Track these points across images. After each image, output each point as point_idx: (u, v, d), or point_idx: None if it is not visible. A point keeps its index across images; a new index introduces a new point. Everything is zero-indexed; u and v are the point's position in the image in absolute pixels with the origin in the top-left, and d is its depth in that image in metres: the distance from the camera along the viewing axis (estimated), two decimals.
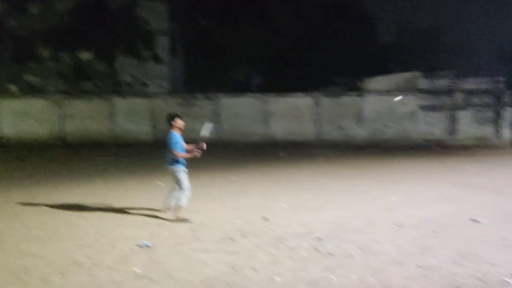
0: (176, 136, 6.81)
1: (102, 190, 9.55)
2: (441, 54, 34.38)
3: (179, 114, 7.28)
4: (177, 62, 26.93)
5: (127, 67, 25.96)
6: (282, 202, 8.20)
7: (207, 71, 28.21)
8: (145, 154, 17.17)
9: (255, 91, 25.40)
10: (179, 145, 6.78)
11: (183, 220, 6.65)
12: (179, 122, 6.94)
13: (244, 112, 22.39)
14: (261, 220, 6.81)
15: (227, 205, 7.93)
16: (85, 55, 24.62)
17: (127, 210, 7.42)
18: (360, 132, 22.70)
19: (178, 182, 6.75)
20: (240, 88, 26.68)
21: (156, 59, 24.80)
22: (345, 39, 30.47)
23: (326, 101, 22.83)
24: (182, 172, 6.80)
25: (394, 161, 15.82)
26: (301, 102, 22.90)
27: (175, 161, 6.74)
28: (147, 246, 5.41)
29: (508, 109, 23.38)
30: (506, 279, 4.34)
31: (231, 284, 4.20)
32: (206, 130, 6.88)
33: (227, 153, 18.50)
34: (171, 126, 6.93)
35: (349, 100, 22.89)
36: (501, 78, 23.85)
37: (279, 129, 22.60)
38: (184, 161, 6.88)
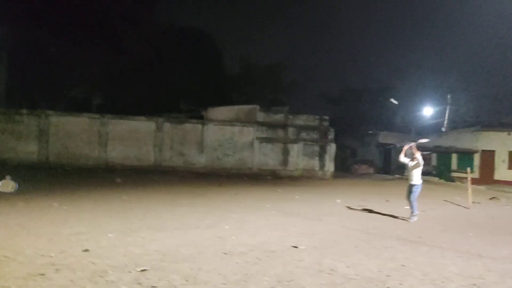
0: None
1: None
2: (279, 90, 37.53)
3: None
4: (0, 72, 23.88)
5: None
6: (109, 231, 7.68)
7: (37, 85, 25.63)
8: None
9: (93, 111, 23.91)
10: None
11: None
12: None
13: (78, 133, 20.84)
14: (81, 252, 6.23)
15: (42, 236, 7.08)
16: None
17: None
18: (200, 159, 23.08)
19: None
20: (76, 107, 24.83)
21: None
22: (191, 68, 31.07)
23: (168, 127, 22.75)
24: None
25: (231, 190, 16.35)
26: (142, 126, 22.39)
27: None
28: None
29: (332, 145, 26.46)
30: None
31: None
32: (5, 186, 5.92)
33: (53, 177, 16.84)
34: None
35: (191, 128, 23.20)
36: (326, 117, 26.97)
37: (118, 153, 21.62)
38: None
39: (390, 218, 11.08)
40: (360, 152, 42.28)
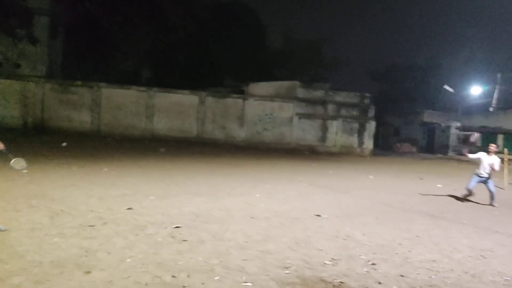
0: None
1: None
2: (321, 66, 37.35)
3: None
4: (57, 46, 25.38)
5: None
6: (150, 194, 8.50)
7: (90, 59, 27.04)
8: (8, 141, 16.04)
9: (141, 84, 25.03)
10: None
11: None
12: None
13: (127, 105, 22.04)
14: (125, 210, 7.05)
15: (93, 196, 7.98)
16: None
17: None
18: (240, 133, 23.77)
19: None
20: (125, 80, 26.06)
21: (32, 39, 23.10)
22: (235, 43, 31.52)
23: (211, 101, 23.50)
24: None
25: (267, 163, 16.96)
26: (186, 99, 23.25)
27: None
28: (1, 230, 5.35)
29: (372, 122, 26.40)
30: (326, 262, 5.23)
31: (81, 265, 4.43)
32: (17, 163, 6.58)
33: (104, 145, 18.08)
34: None
35: (233, 102, 23.84)
36: (367, 94, 26.82)
37: (163, 124, 22.68)
38: None
39: (417, 194, 11.32)
40: (404, 130, 41.64)
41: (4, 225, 5.51)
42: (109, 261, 4.62)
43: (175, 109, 22.83)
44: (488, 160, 10.31)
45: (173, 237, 5.72)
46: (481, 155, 10.58)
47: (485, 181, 10.40)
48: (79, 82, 21.61)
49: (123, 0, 27.25)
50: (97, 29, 26.89)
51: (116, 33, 27.90)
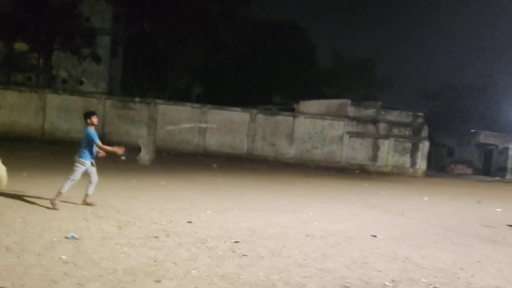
0: (94, 131, 7.68)
1: (28, 184, 9.58)
2: (371, 84, 36.96)
3: (95, 112, 8.31)
4: (117, 64, 26.80)
5: (64, 62, 25.46)
6: (207, 208, 8.79)
7: (146, 76, 28.28)
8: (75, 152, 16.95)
9: (193, 101, 25.84)
10: (96, 139, 7.62)
11: (54, 205, 7.38)
12: (94, 119, 7.78)
13: (181, 121, 22.79)
14: (185, 223, 7.34)
15: (154, 208, 8.37)
16: (21, 46, 23.83)
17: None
18: (290, 151, 23.89)
19: (73, 171, 7.58)
20: (178, 96, 27.02)
21: (95, 58, 24.53)
22: (285, 61, 31.93)
23: (261, 118, 23.84)
24: (84, 164, 7.62)
25: (317, 181, 16.96)
26: (238, 116, 23.71)
27: (84, 153, 7.61)
28: (74, 238, 5.75)
29: (425, 142, 25.76)
30: (386, 283, 5.23)
31: (151, 274, 4.71)
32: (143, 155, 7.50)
33: (159, 159, 18.74)
34: (87, 123, 7.70)
35: (283, 119, 24.06)
36: (420, 113, 26.25)
37: (214, 141, 23.23)
38: (91, 156, 7.72)
39: (475, 218, 10.94)
40: (458, 151, 40.11)
41: (77, 234, 5.92)
42: (176, 272, 4.86)
43: (227, 125, 23.36)
44: None
45: (233, 251, 5.92)
46: None
47: None
48: (137, 99, 22.66)
49: (178, 20, 28.47)
50: (153, 48, 28.20)
51: (170, 51, 29.12)
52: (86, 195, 7.95)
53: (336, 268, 5.58)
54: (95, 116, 7.84)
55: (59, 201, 7.55)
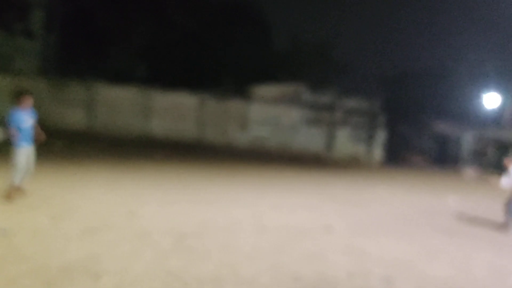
0: (19, 113, 7.22)
1: None
2: (328, 70, 37.51)
3: (26, 91, 7.81)
4: (53, 41, 25.54)
5: None
6: (152, 200, 8.62)
7: (85, 55, 27.20)
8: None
9: (138, 83, 25.14)
10: (20, 122, 7.16)
11: (10, 198, 7.14)
12: (24, 100, 7.32)
13: (123, 104, 22.17)
14: (128, 215, 7.16)
15: (93, 199, 8.11)
16: None
17: None
18: (242, 138, 23.90)
19: (13, 160, 7.22)
20: (121, 78, 26.17)
21: (29, 33, 23.20)
22: (238, 43, 31.71)
23: (211, 103, 23.62)
24: (19, 151, 7.21)
25: (271, 170, 17.09)
26: (186, 101, 23.38)
27: (16, 139, 7.17)
28: (5, 231, 5.48)
29: (381, 131, 26.57)
30: (341, 276, 5.35)
31: (89, 270, 4.56)
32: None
33: (100, 146, 18.19)
34: (17, 103, 7.29)
35: (235, 105, 23.99)
36: (377, 100, 27.03)
37: (160, 126, 22.78)
38: (26, 140, 7.32)
39: (430, 208, 11.44)
40: (414, 140, 41.75)
41: (8, 227, 5.64)
42: (117, 267, 4.74)
43: (174, 110, 22.96)
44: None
45: (179, 245, 5.84)
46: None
47: None
48: (74, 80, 21.73)
49: None
50: (92, 24, 27.10)
51: (111, 29, 28.09)
52: (15, 184, 7.45)
53: (289, 261, 5.64)
54: (26, 97, 7.38)
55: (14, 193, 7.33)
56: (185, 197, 9.41)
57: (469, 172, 17.54)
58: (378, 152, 26.56)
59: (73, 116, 20.98)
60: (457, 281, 5.51)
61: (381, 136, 26.61)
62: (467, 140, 35.50)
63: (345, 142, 25.83)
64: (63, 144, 13.26)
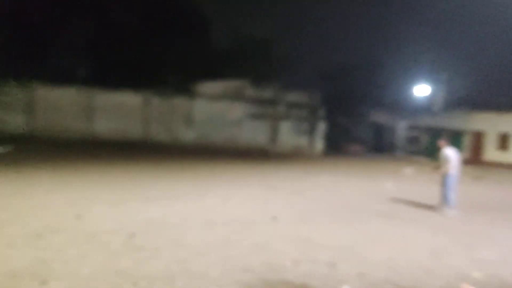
0: None
1: None
2: (269, 65, 37.83)
3: None
4: None
5: None
6: (99, 200, 8.41)
7: (22, 56, 25.80)
8: None
9: (79, 83, 24.20)
10: None
11: None
12: None
13: (65, 106, 21.30)
14: (74, 217, 6.95)
15: (37, 203, 7.78)
16: None
17: None
18: (188, 135, 23.70)
19: None
20: (61, 78, 25.08)
21: None
22: (179, 39, 31.23)
23: (156, 101, 23.24)
24: None
25: (218, 165, 17.09)
26: (130, 100, 22.87)
27: None
28: None
29: (322, 122, 27.23)
30: (287, 264, 5.48)
31: (37, 275, 4.40)
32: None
33: (41, 149, 17.41)
34: None
35: (179, 102, 23.72)
36: (316, 94, 27.64)
37: (104, 126, 22.15)
38: None
39: (370, 194, 11.91)
40: (353, 130, 43.10)
41: None
42: (65, 271, 4.61)
43: (118, 110, 22.35)
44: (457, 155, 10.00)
45: (128, 244, 5.75)
46: (450, 153, 9.94)
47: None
48: (12, 82, 20.56)
49: None
50: (29, 23, 25.74)
51: (49, 27, 26.82)
52: None
53: (238, 254, 5.71)
54: None
55: None
56: (132, 196, 9.23)
57: (407, 170, 18.57)
58: (319, 143, 27.22)
59: (13, 119, 19.91)
60: (397, 263, 5.79)
61: (321, 127, 27.27)
62: (401, 128, 37.16)
63: (288, 135, 26.23)
64: (3, 149, 12.55)
